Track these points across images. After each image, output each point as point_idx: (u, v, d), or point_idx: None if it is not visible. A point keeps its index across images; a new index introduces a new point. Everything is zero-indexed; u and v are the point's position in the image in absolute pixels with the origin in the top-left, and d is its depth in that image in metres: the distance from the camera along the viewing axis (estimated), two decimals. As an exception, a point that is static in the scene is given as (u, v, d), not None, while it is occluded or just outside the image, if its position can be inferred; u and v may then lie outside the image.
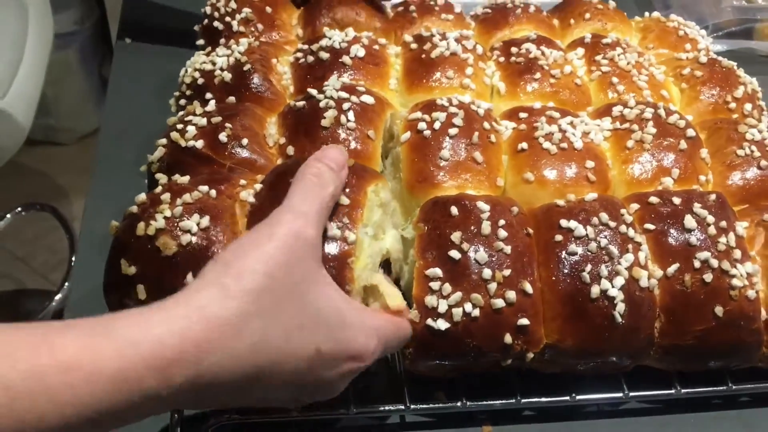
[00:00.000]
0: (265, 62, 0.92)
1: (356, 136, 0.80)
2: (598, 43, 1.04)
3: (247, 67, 0.89)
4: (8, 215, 2.12)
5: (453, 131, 0.83)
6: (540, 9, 1.16)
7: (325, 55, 0.93)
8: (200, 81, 0.90)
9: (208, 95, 0.88)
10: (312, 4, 1.06)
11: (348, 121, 0.80)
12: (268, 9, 1.04)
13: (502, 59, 1.00)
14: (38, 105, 1.58)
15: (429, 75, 0.95)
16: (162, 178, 0.75)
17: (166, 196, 0.65)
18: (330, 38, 0.95)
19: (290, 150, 0.81)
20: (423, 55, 0.97)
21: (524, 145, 0.84)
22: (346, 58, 0.92)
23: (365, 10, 1.05)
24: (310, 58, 0.93)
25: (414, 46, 0.99)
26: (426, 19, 1.09)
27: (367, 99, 0.84)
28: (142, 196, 0.68)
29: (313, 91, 0.86)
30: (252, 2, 1.03)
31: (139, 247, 0.63)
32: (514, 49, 1.00)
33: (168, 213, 0.63)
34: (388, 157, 0.89)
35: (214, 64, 0.91)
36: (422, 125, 0.84)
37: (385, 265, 0.74)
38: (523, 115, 0.89)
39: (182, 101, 0.92)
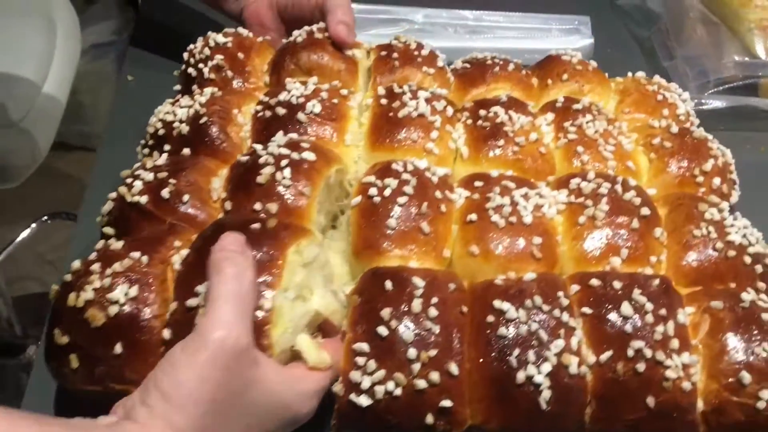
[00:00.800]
0: (225, 113, 0.94)
1: (291, 192, 0.82)
2: (569, 108, 1.05)
3: (203, 119, 0.91)
4: (33, 224, 2.21)
5: (402, 199, 0.84)
6: (520, 67, 1.17)
7: (281, 111, 0.94)
8: (161, 132, 0.93)
9: (167, 147, 0.91)
10: (279, 50, 1.08)
11: (284, 177, 0.82)
12: (240, 55, 1.05)
13: (469, 122, 1.01)
14: (74, 112, 1.60)
15: (393, 135, 0.96)
16: (109, 231, 0.78)
17: (97, 266, 0.68)
18: (289, 91, 0.97)
19: (228, 205, 0.83)
20: (391, 113, 0.98)
21: (474, 216, 0.85)
22: (301, 115, 0.93)
23: (328, 52, 1.06)
24: (268, 113, 0.95)
25: (384, 101, 1.00)
26: (407, 69, 1.10)
27: (308, 155, 0.85)
28: (77, 264, 0.70)
29: (258, 146, 0.88)
30: (226, 48, 1.05)
31: (70, 317, 0.65)
32: (482, 112, 1.01)
33: (97, 284, 0.65)
34: (340, 215, 0.91)
35: (175, 114, 0.94)
36: (373, 190, 0.85)
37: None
38: (478, 183, 0.90)
39: (146, 150, 0.95)
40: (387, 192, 0.85)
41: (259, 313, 0.62)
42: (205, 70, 1.03)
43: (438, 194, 0.86)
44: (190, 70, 1.05)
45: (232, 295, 0.56)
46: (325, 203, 0.87)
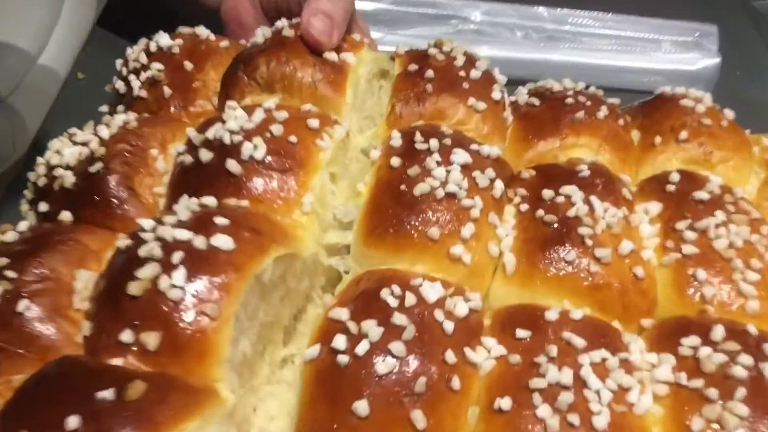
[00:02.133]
0: (136, 158, 0.62)
1: (184, 312, 0.48)
2: (687, 196, 0.67)
3: (97, 166, 0.61)
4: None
5: (384, 367, 0.50)
6: (616, 110, 0.79)
7: (206, 156, 0.61)
8: (41, 182, 0.63)
9: (42, 206, 0.61)
10: (234, 59, 0.74)
11: (174, 287, 0.49)
12: (188, 65, 0.73)
13: (524, 208, 0.65)
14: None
15: (400, 226, 0.61)
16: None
17: None
18: (225, 122, 0.63)
19: (86, 328, 0.51)
20: (402, 185, 0.63)
21: (506, 403, 0.51)
22: (232, 164, 0.60)
23: (298, 57, 0.71)
24: (189, 158, 0.62)
25: (396, 162, 0.65)
26: (444, 99, 0.74)
27: (221, 242, 0.51)
28: None
29: (144, 222, 0.55)
30: (170, 55, 0.74)
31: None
32: (547, 193, 0.65)
33: None
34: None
35: (61, 156, 0.63)
36: (339, 341, 0.52)
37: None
38: (522, 333, 0.55)
39: (25, 207, 0.65)
40: (361, 348, 0.51)
41: None
42: (136, 85, 0.72)
43: (450, 356, 0.52)
44: (119, 84, 0.74)
45: None
46: (255, 316, 0.54)
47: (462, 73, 0.76)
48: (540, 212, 0.64)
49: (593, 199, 0.64)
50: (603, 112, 0.76)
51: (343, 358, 0.51)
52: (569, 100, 0.77)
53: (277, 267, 0.55)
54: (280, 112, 0.64)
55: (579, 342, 0.54)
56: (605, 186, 0.66)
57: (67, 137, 0.66)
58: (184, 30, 0.77)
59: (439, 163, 0.65)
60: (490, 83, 0.78)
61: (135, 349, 0.48)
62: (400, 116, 0.74)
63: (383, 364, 0.50)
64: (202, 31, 0.78)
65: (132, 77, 0.73)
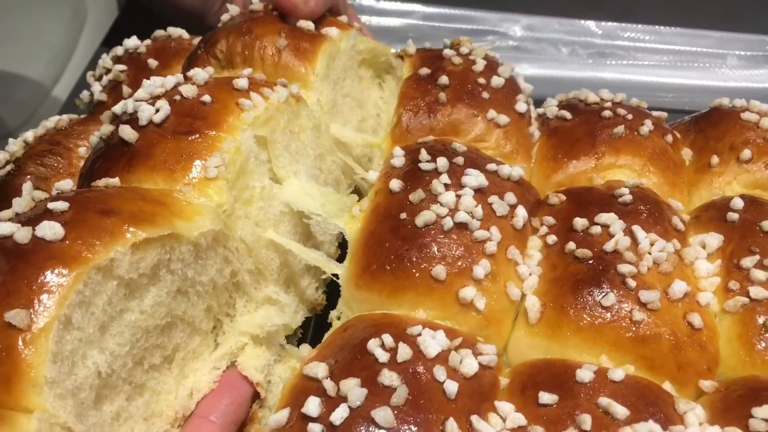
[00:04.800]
0: (57, 158, 0.58)
1: None
2: (753, 226, 0.56)
3: (8, 169, 0.59)
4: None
5: (368, 440, 0.40)
6: (662, 124, 0.69)
7: (106, 131, 0.53)
8: None
9: None
10: (199, 41, 0.69)
11: None
12: (153, 62, 0.70)
13: (552, 240, 0.55)
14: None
15: (399, 263, 0.52)
16: None
17: None
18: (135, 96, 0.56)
19: None
20: (403, 214, 0.54)
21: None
22: (126, 130, 0.51)
23: (264, 27, 0.65)
24: (95, 139, 0.55)
25: (396, 185, 0.56)
26: (459, 111, 0.66)
27: (49, 232, 0.42)
28: None
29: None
30: (137, 56, 0.71)
31: None
32: (579, 223, 0.55)
33: None
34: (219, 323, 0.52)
35: None
36: (311, 406, 0.42)
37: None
38: (547, 398, 0.45)
39: None
40: (338, 415, 0.41)
41: None
42: (96, 90, 0.70)
43: (452, 427, 0.42)
44: (84, 94, 0.73)
45: None
46: (120, 321, 0.44)
47: (482, 80, 0.68)
48: (571, 245, 0.54)
49: (636, 229, 0.54)
50: (647, 127, 0.66)
51: (314, 428, 0.41)
52: (606, 113, 0.68)
53: (149, 254, 0.44)
54: (201, 76, 0.57)
55: (620, 411, 0.44)
56: (651, 213, 0.56)
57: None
58: (159, 33, 0.73)
59: (447, 187, 0.56)
60: (514, 93, 0.70)
61: None
62: (407, 129, 0.66)
63: (367, 435, 0.41)
64: (175, 31, 0.75)
65: (95, 83, 0.71)
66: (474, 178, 0.57)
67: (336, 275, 0.55)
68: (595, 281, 0.51)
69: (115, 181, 0.49)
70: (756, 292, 0.52)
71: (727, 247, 0.56)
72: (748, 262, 0.54)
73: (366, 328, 0.47)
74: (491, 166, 0.60)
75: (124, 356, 0.44)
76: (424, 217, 0.53)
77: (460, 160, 0.59)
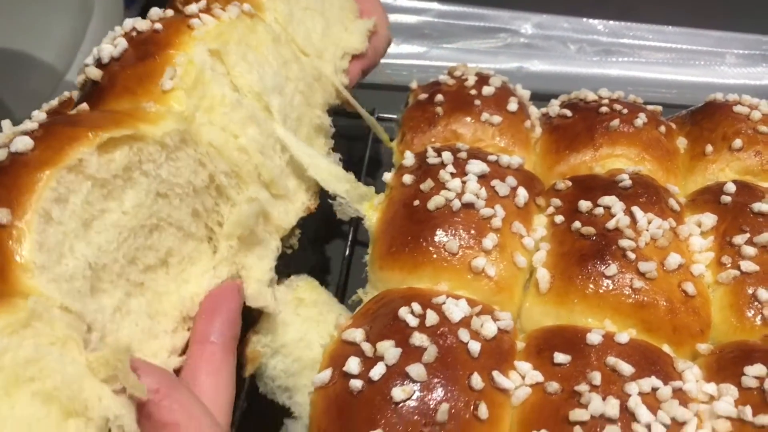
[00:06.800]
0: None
1: None
2: (744, 208, 0.63)
3: None
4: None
5: (401, 393, 0.47)
6: (658, 117, 0.76)
7: (79, 78, 0.59)
8: None
9: None
10: None
11: None
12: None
13: (559, 220, 0.62)
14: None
15: (416, 243, 0.59)
16: None
17: None
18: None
19: None
20: (417, 200, 0.61)
21: (544, 437, 0.46)
22: (92, 71, 0.57)
23: None
24: (79, 94, 0.60)
25: (408, 179, 0.63)
26: (456, 119, 0.73)
27: (20, 144, 0.47)
28: None
29: None
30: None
31: None
32: (584, 205, 0.62)
33: None
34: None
35: None
36: (352, 365, 0.48)
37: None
38: (561, 357, 0.51)
39: None
40: (376, 372, 0.47)
41: None
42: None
43: (476, 381, 0.48)
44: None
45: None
46: (101, 220, 0.49)
47: (473, 92, 0.75)
48: (576, 224, 0.60)
49: (635, 209, 0.61)
50: (641, 119, 0.73)
51: (356, 383, 0.47)
52: (604, 109, 0.74)
53: (117, 155, 0.49)
54: (155, 11, 0.62)
55: (626, 368, 0.50)
56: (649, 196, 0.63)
57: None
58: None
59: (453, 175, 0.63)
60: (506, 96, 0.76)
61: None
62: (411, 142, 0.73)
63: (401, 390, 0.47)
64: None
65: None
66: (476, 165, 0.64)
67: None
68: (599, 255, 0.57)
69: (85, 106, 0.55)
70: (746, 266, 0.58)
71: (720, 225, 0.62)
72: (739, 239, 0.60)
73: (395, 299, 0.54)
74: (492, 157, 0.67)
75: (113, 252, 0.49)
76: (434, 202, 0.60)
77: (463, 154, 0.66)
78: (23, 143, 0.46)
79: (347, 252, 0.78)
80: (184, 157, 0.53)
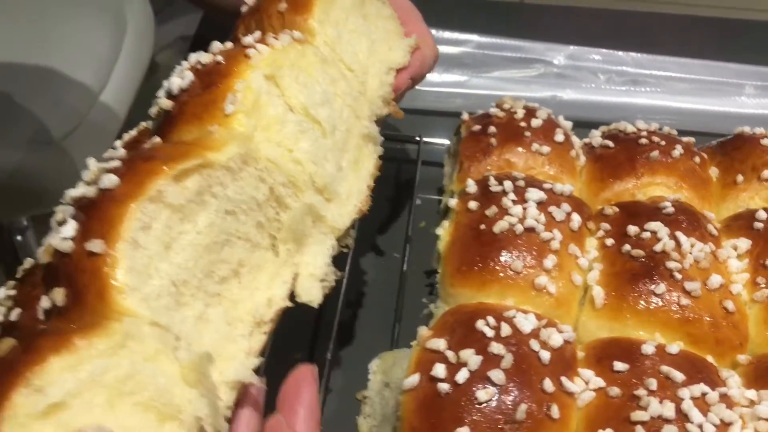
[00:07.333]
0: None
1: (73, 258, 0.49)
2: (777, 233, 0.70)
3: None
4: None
5: (484, 395, 0.54)
6: (692, 148, 0.83)
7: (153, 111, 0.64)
8: None
9: None
10: None
11: (64, 239, 0.50)
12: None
13: (610, 242, 0.69)
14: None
15: (484, 263, 0.66)
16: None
17: None
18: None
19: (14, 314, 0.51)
20: (483, 225, 0.68)
21: (609, 434, 0.53)
22: (165, 102, 0.62)
23: (274, 2, 0.75)
24: (154, 124, 0.66)
25: (473, 205, 0.71)
26: (508, 150, 0.80)
27: (108, 181, 0.52)
28: None
29: None
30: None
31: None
32: (632, 229, 0.69)
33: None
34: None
35: None
36: (439, 370, 0.55)
37: None
38: (620, 366, 0.58)
39: None
40: (461, 376, 0.55)
41: None
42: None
43: (548, 385, 0.55)
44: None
45: None
46: (180, 241, 0.55)
47: (523, 124, 0.82)
48: (627, 247, 0.67)
49: (679, 234, 0.68)
50: (678, 150, 0.80)
51: (443, 386, 0.55)
52: (643, 141, 0.81)
53: (190, 183, 0.55)
54: (216, 46, 0.68)
55: (678, 376, 0.57)
56: (690, 222, 0.70)
57: None
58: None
59: (515, 202, 0.70)
60: (553, 128, 0.83)
61: (53, 311, 0.50)
62: (469, 171, 0.79)
63: (484, 392, 0.54)
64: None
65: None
66: (535, 193, 0.71)
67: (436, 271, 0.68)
68: (648, 275, 0.65)
69: (157, 139, 0.61)
70: (779, 285, 0.66)
71: (754, 249, 0.69)
72: (771, 260, 0.68)
73: (469, 313, 0.61)
74: (547, 185, 0.74)
75: (191, 268, 0.54)
76: (499, 226, 0.67)
77: (521, 182, 0.73)
78: (110, 180, 0.52)
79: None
80: (247, 176, 0.59)
